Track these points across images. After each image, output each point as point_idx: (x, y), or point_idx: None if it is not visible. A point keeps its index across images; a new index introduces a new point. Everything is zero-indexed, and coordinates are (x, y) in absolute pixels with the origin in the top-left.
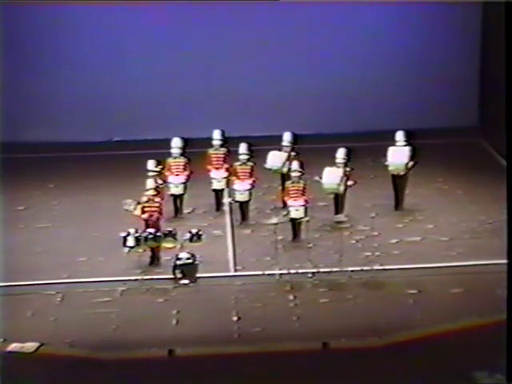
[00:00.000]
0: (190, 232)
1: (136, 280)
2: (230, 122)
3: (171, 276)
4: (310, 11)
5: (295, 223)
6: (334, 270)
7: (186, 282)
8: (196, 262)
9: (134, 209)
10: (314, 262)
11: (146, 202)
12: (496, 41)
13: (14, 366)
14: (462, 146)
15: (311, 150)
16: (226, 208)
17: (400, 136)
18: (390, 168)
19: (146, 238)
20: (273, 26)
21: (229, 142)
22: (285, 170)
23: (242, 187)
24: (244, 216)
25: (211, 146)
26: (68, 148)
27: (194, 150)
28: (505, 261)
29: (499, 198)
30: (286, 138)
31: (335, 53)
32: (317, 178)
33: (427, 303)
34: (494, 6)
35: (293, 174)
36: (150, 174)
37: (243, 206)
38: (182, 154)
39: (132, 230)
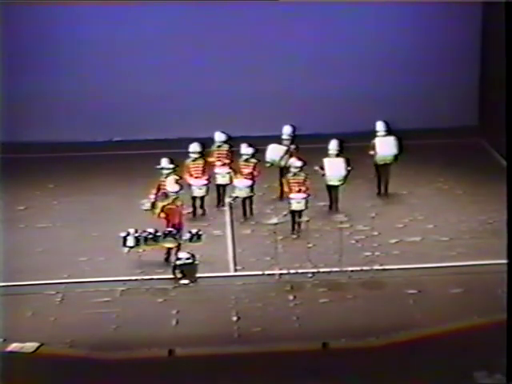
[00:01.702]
0: (190, 232)
1: (136, 280)
2: (230, 122)
3: (171, 276)
4: (310, 12)
5: (295, 215)
6: (334, 270)
7: (185, 282)
8: (196, 262)
9: (149, 204)
10: (313, 262)
11: (167, 202)
12: (496, 41)
13: (14, 366)
14: (462, 146)
15: (311, 149)
16: (227, 207)
17: (381, 126)
18: (379, 159)
19: (146, 238)
20: (273, 26)
21: (229, 142)
22: (282, 163)
23: (243, 183)
24: (246, 212)
25: (212, 144)
26: (68, 148)
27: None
28: (505, 261)
29: (499, 198)
30: (286, 131)
31: (335, 53)
32: (316, 167)
33: (427, 303)
34: (494, 6)
35: (293, 165)
36: (165, 171)
37: (245, 202)
38: (201, 157)
39: (132, 230)
